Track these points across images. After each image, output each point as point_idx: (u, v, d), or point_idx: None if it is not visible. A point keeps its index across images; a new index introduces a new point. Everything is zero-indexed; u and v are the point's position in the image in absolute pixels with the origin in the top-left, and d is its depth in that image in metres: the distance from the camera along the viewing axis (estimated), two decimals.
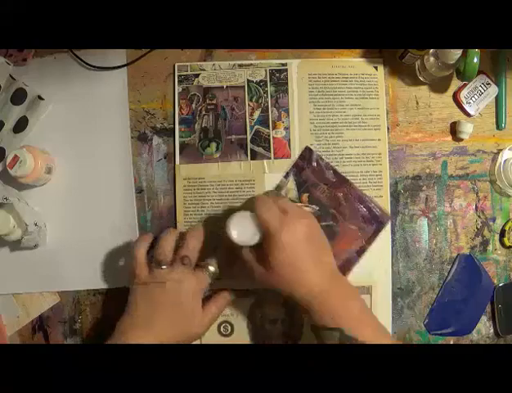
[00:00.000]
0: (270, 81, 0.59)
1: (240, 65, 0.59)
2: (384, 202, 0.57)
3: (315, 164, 0.57)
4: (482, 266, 0.58)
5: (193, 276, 0.50)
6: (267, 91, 0.59)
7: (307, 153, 0.57)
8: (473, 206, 0.59)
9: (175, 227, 0.57)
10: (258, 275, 0.46)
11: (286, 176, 0.57)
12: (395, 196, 0.58)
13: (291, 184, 0.57)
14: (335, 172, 0.57)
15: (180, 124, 0.58)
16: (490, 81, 0.59)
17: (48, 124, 0.58)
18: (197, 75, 0.59)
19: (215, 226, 0.55)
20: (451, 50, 0.52)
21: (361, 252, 0.56)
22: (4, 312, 0.57)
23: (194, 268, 0.51)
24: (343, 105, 0.58)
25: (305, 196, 0.57)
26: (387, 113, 0.59)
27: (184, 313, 0.48)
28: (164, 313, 0.47)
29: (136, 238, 0.55)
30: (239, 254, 0.48)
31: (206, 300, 0.51)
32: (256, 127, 0.58)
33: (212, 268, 0.51)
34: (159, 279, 0.49)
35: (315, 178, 0.57)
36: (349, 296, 0.46)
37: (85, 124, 0.58)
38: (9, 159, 0.53)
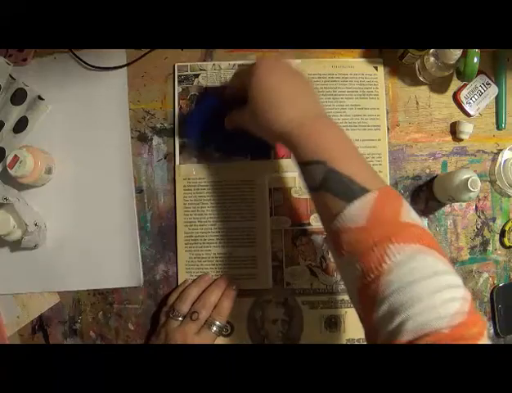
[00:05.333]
0: None
1: (240, 65, 0.59)
2: None
3: None
4: None
5: (197, 338, 0.51)
6: None
7: None
8: (473, 206, 0.59)
9: (175, 227, 0.57)
10: (245, 119, 0.48)
11: None
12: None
13: None
14: None
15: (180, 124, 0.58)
16: (490, 81, 0.59)
17: (48, 124, 0.58)
18: (197, 75, 0.59)
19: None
20: (451, 50, 0.52)
21: None
22: (4, 312, 0.57)
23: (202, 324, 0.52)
24: (343, 105, 0.58)
25: None
26: (387, 113, 0.59)
27: None
28: None
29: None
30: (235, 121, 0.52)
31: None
32: None
33: (218, 323, 0.52)
34: (167, 333, 0.51)
35: None
36: (334, 129, 0.42)
37: (85, 124, 0.58)
38: (9, 159, 0.53)
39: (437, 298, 0.32)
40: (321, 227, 0.56)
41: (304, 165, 0.40)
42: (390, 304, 0.33)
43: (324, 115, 0.44)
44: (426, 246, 0.35)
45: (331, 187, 0.38)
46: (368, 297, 0.35)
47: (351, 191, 0.37)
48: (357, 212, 0.36)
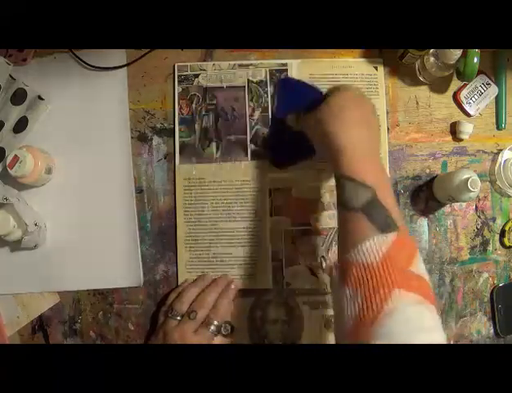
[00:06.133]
0: (270, 81, 0.59)
1: (240, 65, 0.59)
2: None
3: None
4: None
5: (195, 338, 0.50)
6: (267, 91, 0.59)
7: None
8: (473, 206, 0.59)
9: (175, 227, 0.57)
10: (314, 113, 0.47)
11: None
12: (395, 196, 0.58)
13: None
14: None
15: (180, 124, 0.58)
16: (490, 81, 0.59)
17: (48, 124, 0.58)
18: (197, 75, 0.59)
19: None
20: (451, 50, 0.52)
21: None
22: (4, 312, 0.57)
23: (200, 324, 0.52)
24: None
25: None
26: (387, 113, 0.59)
27: None
28: None
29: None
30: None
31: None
32: (256, 127, 0.58)
33: (216, 323, 0.52)
34: (165, 333, 0.51)
35: None
36: (380, 164, 0.46)
37: (85, 124, 0.58)
38: (9, 159, 0.53)
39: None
40: (321, 227, 0.56)
41: (351, 181, 0.42)
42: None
43: (376, 148, 0.47)
44: (427, 300, 0.37)
45: (371, 212, 0.40)
46: (359, 331, 0.37)
47: (386, 223, 0.40)
48: (376, 247, 0.38)
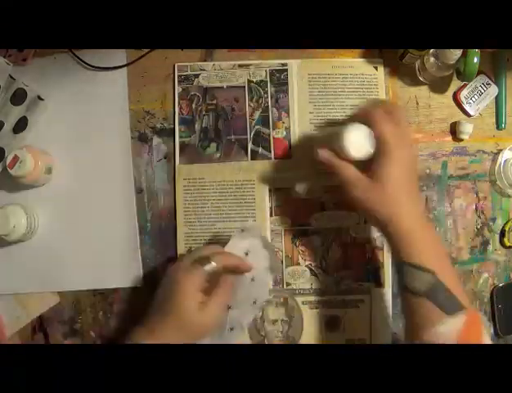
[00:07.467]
0: (270, 81, 0.59)
1: (240, 65, 0.59)
2: None
3: None
4: None
5: (188, 275, 0.46)
6: (267, 91, 0.59)
7: None
8: (473, 206, 0.59)
9: (175, 227, 0.57)
10: (360, 189, 0.43)
11: None
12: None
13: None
14: None
15: (180, 124, 0.58)
16: (490, 81, 0.59)
17: (48, 124, 0.58)
18: (197, 75, 0.59)
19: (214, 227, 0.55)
20: (451, 50, 0.52)
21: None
22: (4, 312, 0.57)
23: (195, 262, 0.47)
24: (343, 105, 0.58)
25: None
26: None
27: (182, 317, 0.46)
28: (166, 319, 0.46)
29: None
30: (338, 172, 0.45)
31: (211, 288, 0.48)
32: (256, 127, 0.58)
33: (213, 264, 0.47)
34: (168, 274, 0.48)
35: None
36: (437, 240, 0.44)
37: (85, 124, 0.58)
38: (9, 159, 0.53)
39: None
40: (321, 226, 0.56)
41: (410, 266, 0.41)
42: None
43: (428, 218, 0.46)
44: None
45: (436, 297, 0.40)
46: None
47: (453, 305, 0.40)
48: (450, 328, 0.39)
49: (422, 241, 0.42)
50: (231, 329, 0.52)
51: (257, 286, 0.53)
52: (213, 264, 0.47)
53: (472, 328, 0.39)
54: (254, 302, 0.53)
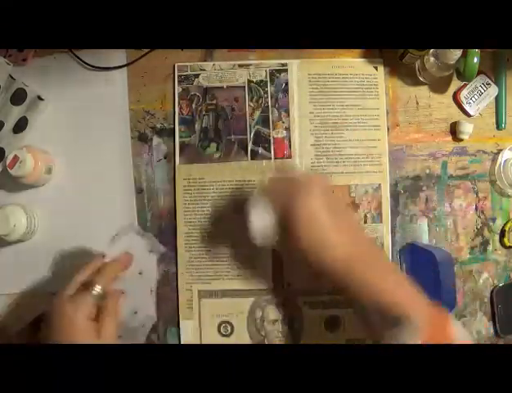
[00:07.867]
0: (270, 81, 0.59)
1: (240, 65, 0.59)
2: (384, 203, 0.57)
3: None
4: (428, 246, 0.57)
5: (76, 305, 0.45)
6: (267, 91, 0.59)
7: None
8: (473, 206, 0.59)
9: (175, 227, 0.57)
10: (293, 252, 0.44)
11: None
12: (395, 196, 0.58)
13: None
14: None
15: (180, 124, 0.58)
16: (490, 81, 0.59)
17: (48, 124, 0.58)
18: (197, 75, 0.59)
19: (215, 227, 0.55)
20: (451, 50, 0.52)
21: None
22: (3, 312, 0.57)
23: (79, 289, 0.47)
24: (343, 105, 0.58)
25: None
26: (387, 113, 0.59)
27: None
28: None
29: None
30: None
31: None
32: (256, 127, 0.58)
33: (98, 287, 0.47)
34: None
35: None
36: (381, 264, 0.45)
37: (85, 124, 0.58)
38: (9, 159, 0.53)
39: None
40: None
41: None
42: None
43: (373, 244, 0.47)
44: None
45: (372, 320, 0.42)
46: None
47: (391, 321, 0.40)
48: (399, 338, 0.39)
49: (355, 272, 0.42)
50: (135, 312, 0.56)
51: (145, 277, 0.56)
52: (98, 287, 0.47)
53: (432, 329, 0.39)
54: (151, 291, 0.56)
